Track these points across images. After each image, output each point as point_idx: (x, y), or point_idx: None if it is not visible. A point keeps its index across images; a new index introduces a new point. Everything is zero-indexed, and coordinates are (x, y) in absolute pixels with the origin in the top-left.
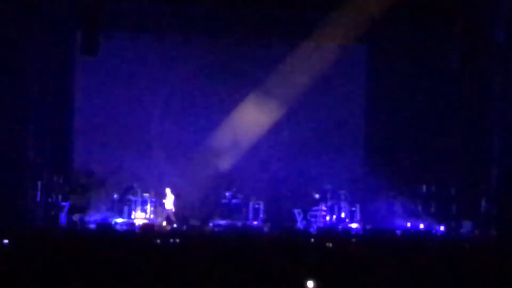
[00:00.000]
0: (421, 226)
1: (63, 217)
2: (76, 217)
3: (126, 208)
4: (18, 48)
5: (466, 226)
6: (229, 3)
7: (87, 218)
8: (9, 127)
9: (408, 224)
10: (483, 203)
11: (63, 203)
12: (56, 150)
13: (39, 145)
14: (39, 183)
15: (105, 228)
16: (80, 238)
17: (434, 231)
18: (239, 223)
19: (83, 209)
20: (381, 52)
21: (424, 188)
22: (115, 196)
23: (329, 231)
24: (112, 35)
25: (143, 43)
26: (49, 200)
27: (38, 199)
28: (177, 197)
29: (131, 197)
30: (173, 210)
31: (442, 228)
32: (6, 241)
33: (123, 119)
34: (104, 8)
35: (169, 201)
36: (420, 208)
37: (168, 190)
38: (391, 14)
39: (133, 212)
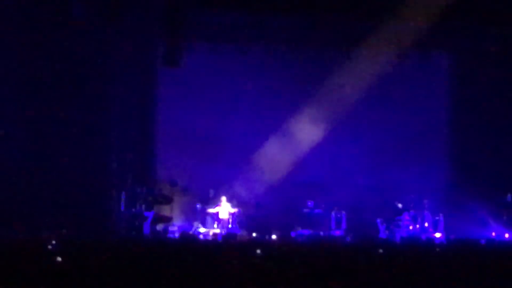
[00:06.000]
0: (506, 235)
1: (147, 227)
2: (160, 226)
3: (209, 218)
4: (101, 59)
5: None
6: (310, 13)
7: (170, 228)
8: (93, 138)
9: (493, 234)
10: None
11: (147, 213)
12: (139, 161)
13: (123, 156)
14: (123, 193)
15: (189, 237)
16: (164, 248)
17: None
18: (321, 233)
19: (166, 219)
20: (464, 59)
21: (509, 197)
22: (198, 205)
23: (412, 241)
24: (194, 46)
25: (224, 53)
26: (133, 210)
27: (122, 209)
28: (258, 207)
29: (213, 207)
30: (230, 219)
31: None
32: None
33: (205, 129)
34: (186, 19)
35: (224, 211)
36: (505, 217)
37: (223, 199)
38: (472, 20)
39: (215, 222)
